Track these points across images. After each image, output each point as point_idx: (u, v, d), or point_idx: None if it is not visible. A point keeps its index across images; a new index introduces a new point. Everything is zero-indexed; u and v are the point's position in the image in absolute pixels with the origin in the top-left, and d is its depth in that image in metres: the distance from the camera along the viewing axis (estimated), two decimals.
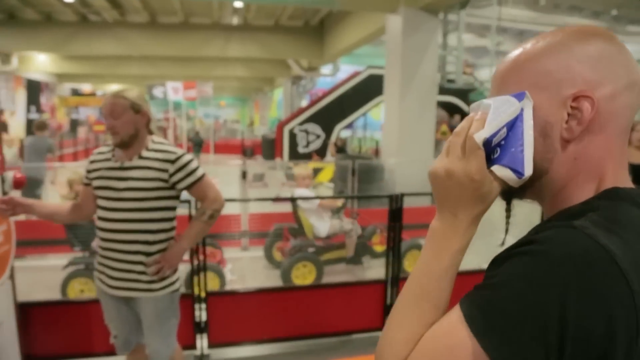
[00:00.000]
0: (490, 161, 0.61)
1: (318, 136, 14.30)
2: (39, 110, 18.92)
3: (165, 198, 2.04)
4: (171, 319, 2.13)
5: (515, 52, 0.66)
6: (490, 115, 0.61)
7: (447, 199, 0.62)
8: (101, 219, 2.04)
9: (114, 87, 25.02)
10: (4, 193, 2.25)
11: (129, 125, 1.99)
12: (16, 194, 2.12)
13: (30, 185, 6.88)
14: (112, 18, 12.08)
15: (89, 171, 2.11)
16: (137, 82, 22.16)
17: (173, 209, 2.09)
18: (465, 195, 0.60)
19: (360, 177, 6.73)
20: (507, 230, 0.75)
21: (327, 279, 4.41)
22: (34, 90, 18.77)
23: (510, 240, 0.63)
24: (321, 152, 13.76)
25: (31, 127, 10.46)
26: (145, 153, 2.03)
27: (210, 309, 3.02)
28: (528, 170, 0.60)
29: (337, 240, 4.64)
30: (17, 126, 17.27)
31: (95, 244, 1.96)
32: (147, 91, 16.12)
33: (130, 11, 11.85)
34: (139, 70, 16.71)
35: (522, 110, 0.61)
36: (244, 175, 5.43)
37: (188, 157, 2.06)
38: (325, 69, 15.66)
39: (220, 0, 9.80)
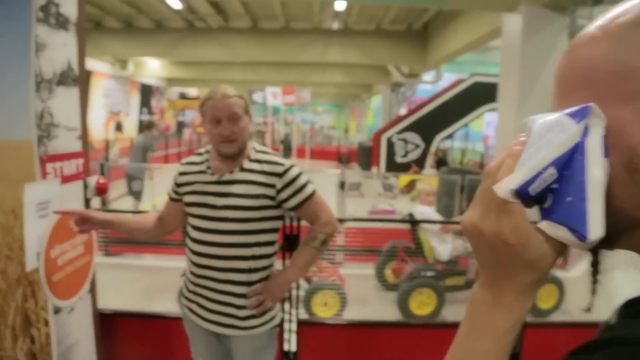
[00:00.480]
0: (540, 210, 0.43)
1: (417, 146, 13.70)
2: (150, 112, 20.17)
3: (271, 219, 1.72)
4: (267, 356, 1.81)
5: (588, 31, 0.44)
6: (531, 148, 0.41)
7: (485, 261, 0.46)
8: (194, 240, 1.74)
9: None
10: (86, 200, 2.03)
11: (246, 132, 1.69)
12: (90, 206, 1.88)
13: (130, 180, 7.23)
14: (216, 24, 12.41)
15: (178, 185, 1.82)
16: (238, 87, 22.80)
17: (277, 231, 1.78)
18: (504, 261, 0.43)
19: (470, 194, 6.08)
20: (594, 291, 0.51)
21: (447, 309, 3.93)
22: (146, 93, 20.08)
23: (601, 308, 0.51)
24: (420, 163, 13.12)
25: (142, 127, 11.17)
26: (247, 164, 1.71)
27: (302, 339, 2.65)
28: (595, 230, 0.40)
29: (458, 264, 4.12)
30: (130, 127, 18.50)
31: (187, 267, 1.62)
32: (248, 96, 16.44)
33: (233, 17, 12.09)
34: (240, 75, 17.13)
35: (584, 135, 0.40)
36: (342, 185, 5.07)
37: (296, 170, 1.72)
38: (427, 76, 14.96)
39: (322, 0, 9.57)
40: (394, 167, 13.41)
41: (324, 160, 18.73)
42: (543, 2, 6.42)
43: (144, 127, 7.61)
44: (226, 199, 1.67)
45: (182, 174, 1.82)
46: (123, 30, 12.85)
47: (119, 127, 17.87)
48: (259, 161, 1.72)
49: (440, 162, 12.35)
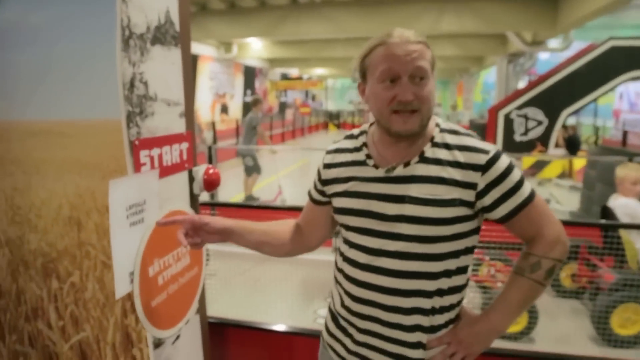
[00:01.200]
0: None
1: (539, 122, 12.21)
2: (254, 93, 20.36)
3: (466, 235, 1.14)
4: None
5: None
6: None
7: None
8: (352, 263, 1.20)
9: (318, 71, 26.22)
10: (192, 197, 1.55)
11: (433, 100, 1.13)
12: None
13: (242, 157, 7.19)
14: None
15: (324, 181, 1.28)
16: (341, 66, 22.38)
17: (472, 251, 1.19)
18: None
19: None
20: None
21: None
22: (249, 75, 20.30)
23: None
24: (544, 141, 11.71)
25: (247, 109, 11.12)
26: (431, 151, 1.14)
27: None
28: None
29: None
30: (235, 108, 18.80)
31: (334, 293, 1.28)
32: (357, 73, 15.86)
33: None
34: (343, 52, 16.54)
35: None
36: None
37: (506, 158, 1.12)
38: (553, 43, 13.26)
39: None
40: (512, 146, 12.10)
41: None
42: None
43: (251, 104, 7.99)
44: (400, 206, 1.11)
45: (328, 166, 1.27)
46: (227, 11, 12.78)
47: (224, 109, 18.22)
48: (447, 146, 1.13)
49: (571, 141, 10.91)
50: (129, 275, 1.25)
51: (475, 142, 1.12)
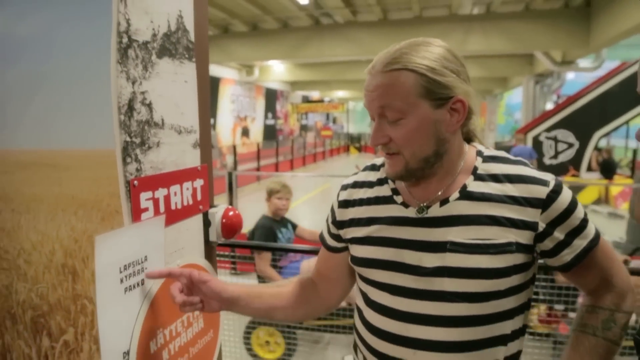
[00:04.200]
0: None
1: (570, 145, 11.77)
2: (275, 116, 20.29)
3: (523, 287, 0.92)
4: None
5: None
6: None
7: None
8: (377, 332, 0.94)
9: (340, 94, 26.17)
10: (208, 245, 1.25)
11: (425, 136, 0.89)
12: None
13: None
14: (343, 19, 11.71)
15: (340, 223, 1.03)
16: (363, 88, 22.20)
17: (528, 307, 0.96)
18: None
19: None
20: None
21: None
22: (271, 98, 20.29)
23: None
24: (576, 164, 11.24)
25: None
26: (474, 184, 0.92)
27: None
28: None
29: None
30: (256, 131, 18.71)
31: None
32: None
33: (362, 9, 11.30)
34: (365, 74, 16.35)
35: None
36: None
37: (568, 191, 0.91)
38: (584, 62, 12.84)
39: None
40: (541, 169, 11.64)
41: None
42: None
43: None
44: (441, 256, 0.88)
45: (345, 204, 1.03)
46: (249, 33, 12.73)
47: (245, 133, 18.13)
48: (495, 177, 0.92)
49: (606, 165, 10.42)
50: (122, 356, 0.95)
51: (530, 171, 0.91)
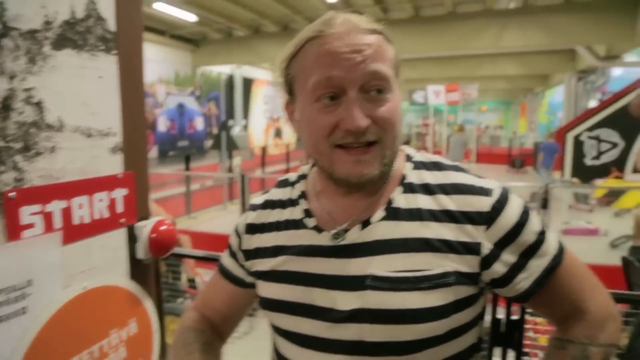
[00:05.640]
0: None
1: (614, 145, 11.13)
2: None
3: (469, 327, 0.71)
4: None
5: None
6: None
7: None
8: None
9: None
10: (134, 264, 1.09)
11: (399, 122, 0.71)
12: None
13: None
14: (374, 17, 11.46)
15: (247, 253, 0.83)
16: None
17: (478, 349, 0.76)
18: None
19: None
20: None
21: None
22: None
23: None
24: (620, 166, 10.61)
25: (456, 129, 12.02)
26: (401, 198, 0.73)
27: None
28: None
29: None
30: (288, 132, 18.65)
31: None
32: (407, 97, 15.32)
33: (393, 6, 11.02)
34: None
35: None
36: (545, 203, 3.65)
37: (517, 200, 0.72)
38: (630, 57, 12.11)
39: None
40: (582, 171, 11.09)
41: (493, 164, 16.69)
42: None
43: (457, 129, 11.73)
44: (359, 295, 0.68)
45: (252, 228, 0.83)
46: (280, 33, 12.65)
47: (278, 134, 18.10)
48: (427, 188, 0.73)
49: None
50: None
51: (468, 178, 0.72)
